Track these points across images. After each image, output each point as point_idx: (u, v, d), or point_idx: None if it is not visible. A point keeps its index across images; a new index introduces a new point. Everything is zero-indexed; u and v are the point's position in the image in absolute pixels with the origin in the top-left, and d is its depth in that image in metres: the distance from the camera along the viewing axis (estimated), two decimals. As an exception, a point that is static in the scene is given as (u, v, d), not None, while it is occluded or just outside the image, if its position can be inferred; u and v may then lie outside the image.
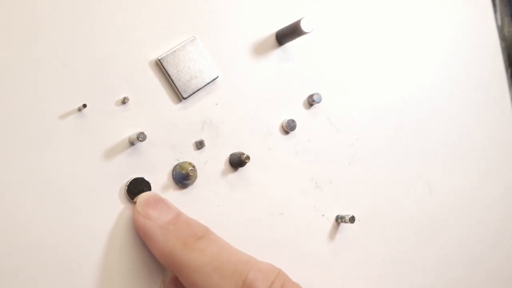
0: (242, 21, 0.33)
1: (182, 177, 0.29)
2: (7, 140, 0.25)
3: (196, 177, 0.30)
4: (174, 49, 0.30)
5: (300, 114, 0.34)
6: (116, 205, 0.27)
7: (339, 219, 0.34)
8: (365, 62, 0.37)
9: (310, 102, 0.34)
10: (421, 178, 0.39)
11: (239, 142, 0.32)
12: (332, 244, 0.34)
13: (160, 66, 0.29)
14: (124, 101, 0.28)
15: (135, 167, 0.28)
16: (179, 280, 0.25)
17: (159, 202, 0.27)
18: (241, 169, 0.31)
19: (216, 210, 0.30)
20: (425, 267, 0.39)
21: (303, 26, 0.31)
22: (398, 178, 0.38)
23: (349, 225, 0.35)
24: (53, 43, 0.27)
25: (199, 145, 0.30)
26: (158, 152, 0.29)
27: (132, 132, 0.28)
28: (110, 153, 0.27)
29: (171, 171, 0.29)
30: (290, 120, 0.33)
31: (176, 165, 0.29)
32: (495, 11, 0.47)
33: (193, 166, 0.29)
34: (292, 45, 0.34)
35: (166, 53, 0.29)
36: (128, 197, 0.27)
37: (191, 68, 0.30)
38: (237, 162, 0.31)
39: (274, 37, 0.34)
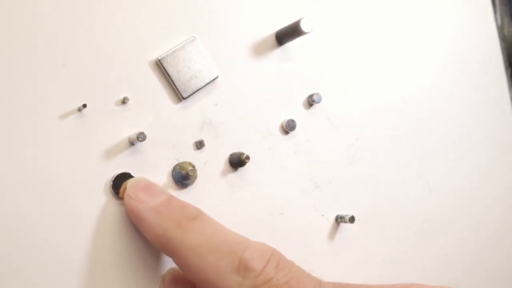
0: (242, 21, 0.33)
1: (182, 177, 0.29)
2: (7, 140, 0.25)
3: (196, 177, 0.30)
4: (174, 49, 0.30)
5: (300, 114, 0.34)
6: (116, 205, 0.27)
7: (339, 219, 0.34)
8: (365, 62, 0.37)
9: (310, 102, 0.34)
10: (421, 178, 0.39)
11: (239, 142, 0.32)
12: (332, 244, 0.34)
13: (160, 66, 0.29)
14: (124, 101, 0.28)
15: (135, 167, 0.28)
16: (174, 262, 0.25)
17: (150, 185, 0.26)
18: (241, 169, 0.31)
19: (216, 210, 0.30)
20: (425, 267, 0.39)
21: (303, 26, 0.31)
22: (398, 178, 0.38)
23: (349, 225, 0.35)
24: (53, 43, 0.27)
25: (199, 145, 0.30)
26: (158, 152, 0.29)
27: (132, 132, 0.28)
28: (110, 153, 0.27)
29: (171, 171, 0.29)
30: (290, 120, 0.33)
31: (176, 165, 0.29)
32: (495, 11, 0.47)
33: (193, 166, 0.29)
34: (292, 45, 0.34)
35: (166, 53, 0.29)
36: (112, 192, 0.27)
37: (191, 68, 0.30)
38: (237, 162, 0.31)
39: (274, 37, 0.34)
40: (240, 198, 0.31)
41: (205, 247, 0.23)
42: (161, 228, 0.24)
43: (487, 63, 0.45)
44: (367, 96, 0.37)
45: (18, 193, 0.25)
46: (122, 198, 0.27)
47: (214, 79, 0.31)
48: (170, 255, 0.25)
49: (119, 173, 0.27)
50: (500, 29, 0.48)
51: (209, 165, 0.30)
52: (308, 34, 0.31)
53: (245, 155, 0.30)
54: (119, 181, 0.27)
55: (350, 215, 0.33)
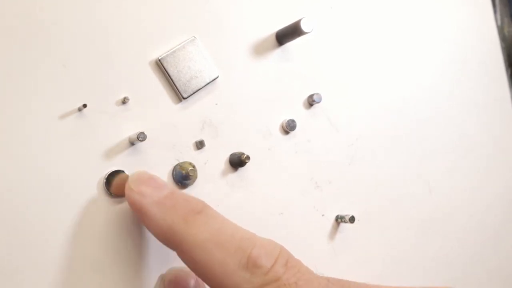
0: (242, 21, 0.33)
1: (182, 177, 0.29)
2: (7, 141, 0.25)
3: (196, 177, 0.30)
4: (174, 49, 0.30)
5: (300, 114, 0.34)
6: (116, 205, 0.27)
7: (339, 219, 0.34)
8: (365, 62, 0.37)
9: (310, 102, 0.34)
10: (421, 178, 0.39)
11: (239, 142, 0.32)
12: (332, 244, 0.34)
13: (160, 66, 0.29)
14: (124, 101, 0.28)
15: (135, 167, 0.28)
16: (179, 256, 0.24)
17: (152, 178, 0.26)
18: (241, 169, 0.31)
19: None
20: (425, 267, 0.39)
21: (303, 26, 0.31)
22: (398, 178, 0.38)
23: (349, 225, 0.35)
24: (53, 43, 0.27)
25: (199, 145, 0.30)
26: (158, 152, 0.29)
27: (132, 132, 0.28)
28: (110, 153, 0.27)
29: (171, 171, 0.29)
30: (290, 120, 0.33)
31: (176, 165, 0.29)
32: (495, 11, 0.47)
33: (193, 166, 0.29)
34: (292, 45, 0.34)
35: (166, 53, 0.29)
36: (105, 188, 0.27)
37: (191, 68, 0.30)
38: (237, 162, 0.31)
39: (274, 37, 0.34)
40: (240, 198, 0.31)
41: (212, 241, 0.23)
42: (166, 222, 0.24)
43: (487, 63, 0.45)
44: (367, 96, 0.37)
45: (18, 193, 0.25)
46: (115, 195, 0.27)
47: (214, 79, 0.31)
48: (175, 249, 0.24)
49: (113, 170, 0.27)
50: (500, 29, 0.48)
51: (209, 165, 0.30)
52: (308, 34, 0.31)
53: (245, 155, 0.30)
54: (113, 179, 0.27)
55: (350, 215, 0.33)
